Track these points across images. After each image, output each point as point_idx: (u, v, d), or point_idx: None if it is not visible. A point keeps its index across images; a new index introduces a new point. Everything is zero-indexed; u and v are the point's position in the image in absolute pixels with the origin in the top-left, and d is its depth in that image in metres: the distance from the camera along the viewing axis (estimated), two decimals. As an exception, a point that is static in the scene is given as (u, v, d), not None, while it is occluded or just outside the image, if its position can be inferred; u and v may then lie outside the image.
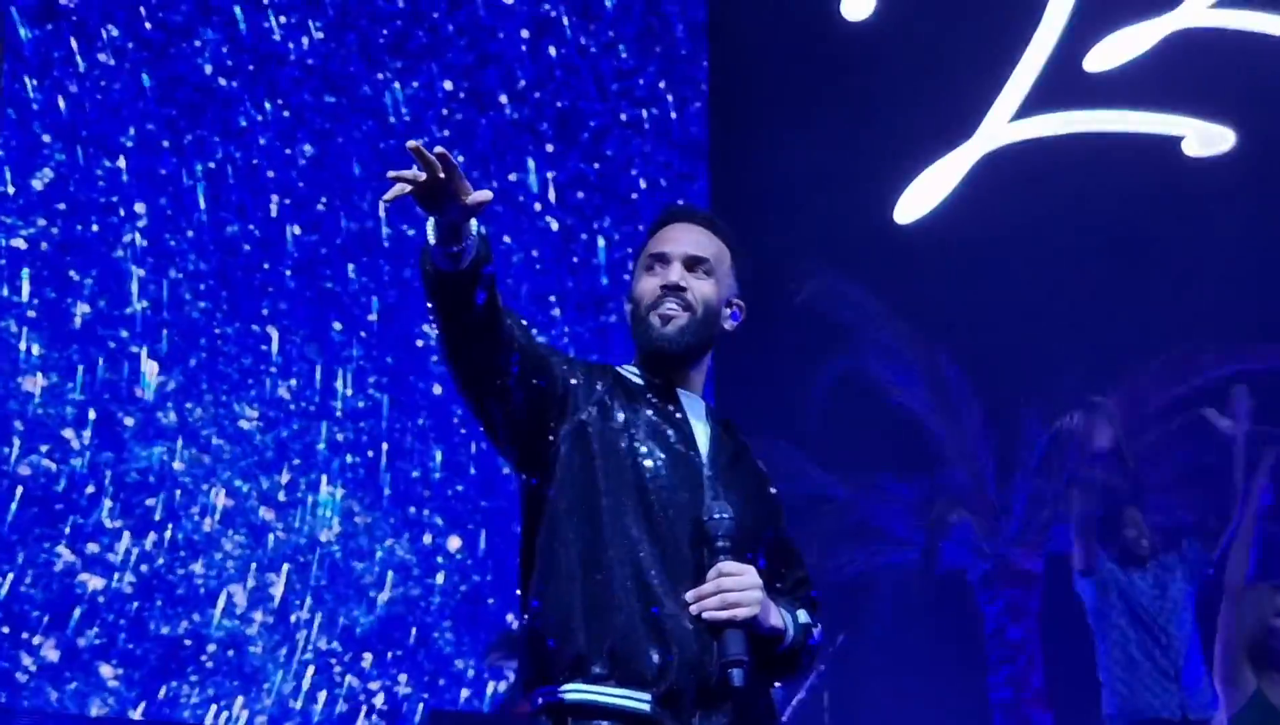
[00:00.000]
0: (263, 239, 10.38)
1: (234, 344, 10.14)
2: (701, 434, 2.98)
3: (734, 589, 2.73)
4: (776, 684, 3.01)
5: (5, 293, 9.63)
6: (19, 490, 9.40)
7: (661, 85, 11.93)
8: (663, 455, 2.88)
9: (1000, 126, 10.69)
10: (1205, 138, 10.20)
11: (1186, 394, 9.85)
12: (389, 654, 10.16)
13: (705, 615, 2.72)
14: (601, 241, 11.41)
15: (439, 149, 2.55)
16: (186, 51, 10.35)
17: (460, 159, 2.63)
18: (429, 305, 2.72)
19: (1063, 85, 10.51)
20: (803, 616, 2.94)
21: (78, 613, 9.42)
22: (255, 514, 9.98)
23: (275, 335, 10.28)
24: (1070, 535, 7.05)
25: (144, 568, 9.62)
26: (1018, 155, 10.64)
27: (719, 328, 3.07)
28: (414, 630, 10.25)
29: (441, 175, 2.54)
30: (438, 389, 10.54)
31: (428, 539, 10.42)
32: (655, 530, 2.80)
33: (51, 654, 9.32)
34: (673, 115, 11.91)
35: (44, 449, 9.53)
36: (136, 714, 9.44)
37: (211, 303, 10.15)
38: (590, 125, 11.58)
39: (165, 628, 9.61)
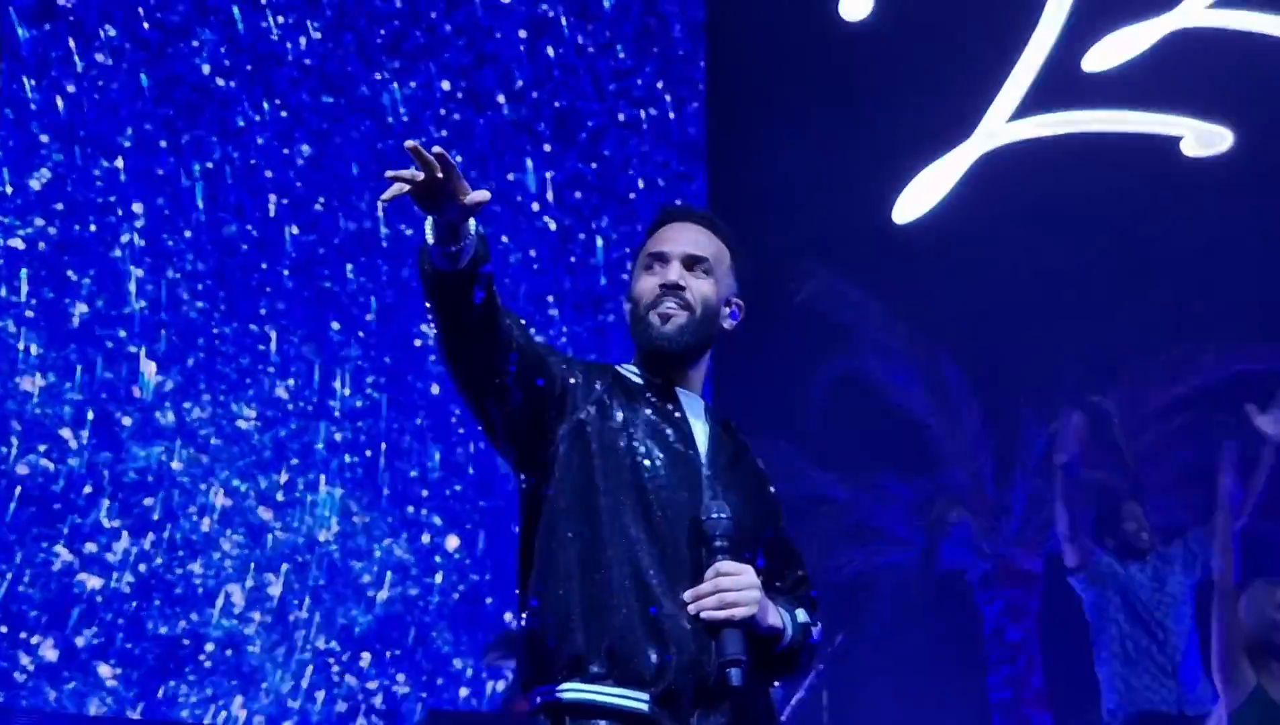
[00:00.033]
0: (261, 239, 10.38)
1: (232, 344, 10.14)
2: (701, 433, 2.98)
3: (732, 589, 2.73)
4: (775, 683, 3.00)
5: (3, 292, 9.62)
6: (17, 490, 9.40)
7: (659, 85, 11.92)
8: (661, 454, 2.88)
9: (998, 126, 10.67)
10: (1203, 138, 10.19)
11: (1186, 394, 9.86)
12: (387, 653, 10.15)
13: (703, 615, 2.72)
14: (599, 241, 11.40)
15: (437, 149, 2.55)
16: (184, 51, 10.34)
17: (458, 159, 2.62)
18: (428, 305, 2.72)
19: (1061, 85, 10.49)
20: (801, 616, 2.94)
21: (76, 612, 9.42)
22: (253, 514, 9.97)
23: (273, 335, 10.27)
24: (1077, 526, 7.04)
25: (142, 567, 9.61)
26: (1016, 155, 10.62)
27: (718, 327, 3.07)
28: (412, 630, 10.24)
29: (439, 175, 2.54)
30: (436, 389, 10.53)
31: (426, 539, 10.42)
32: (654, 530, 2.80)
33: (50, 653, 9.32)
34: (671, 115, 11.90)
35: (42, 449, 9.52)
36: (135, 714, 9.44)
37: (209, 303, 10.14)
38: (588, 125, 11.57)
39: (163, 627, 9.60)
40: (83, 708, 9.33)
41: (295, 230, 10.50)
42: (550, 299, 11.15)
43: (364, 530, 10.24)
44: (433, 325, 2.76)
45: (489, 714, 9.50)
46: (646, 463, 2.86)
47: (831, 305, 10.87)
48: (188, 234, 10.16)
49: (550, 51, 11.53)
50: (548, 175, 11.33)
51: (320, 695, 9.90)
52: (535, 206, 11.24)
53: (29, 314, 9.66)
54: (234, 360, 10.12)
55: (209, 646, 9.68)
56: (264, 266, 10.35)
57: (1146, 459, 9.75)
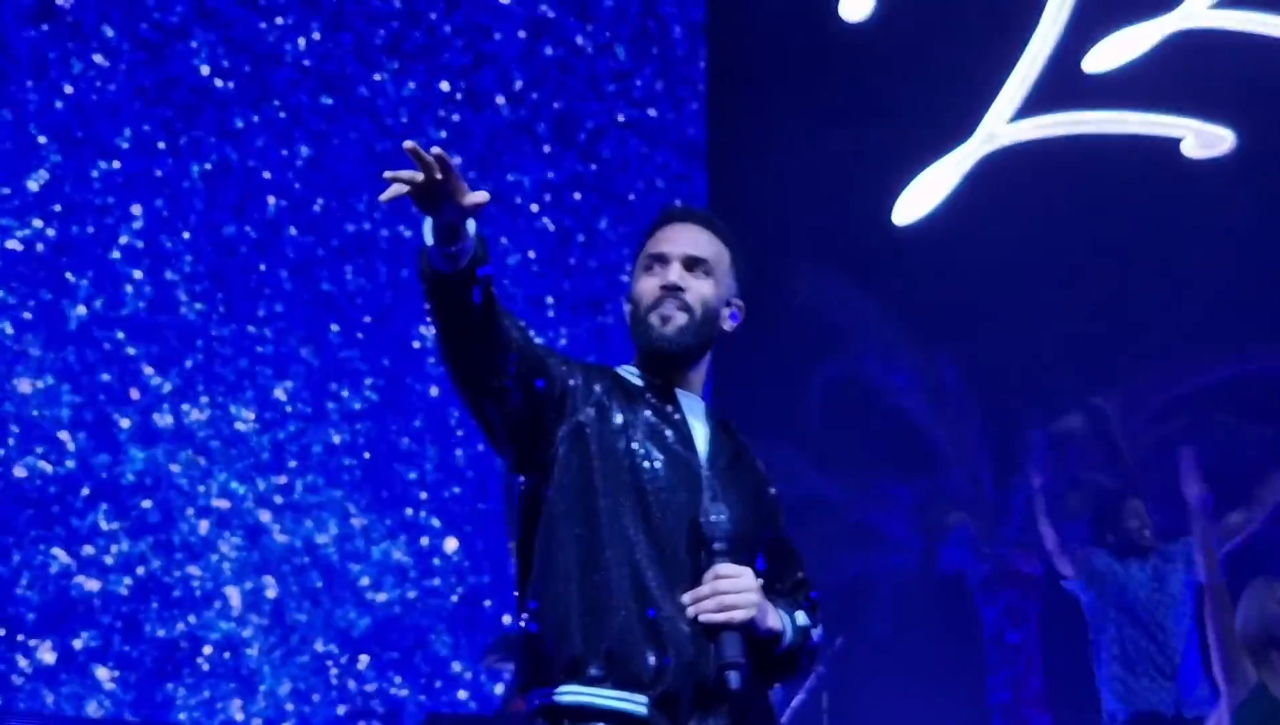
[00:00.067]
0: (259, 240, 10.36)
1: (230, 346, 10.12)
2: (700, 435, 2.97)
3: (730, 591, 2.73)
4: (776, 685, 2.99)
5: (1, 294, 9.60)
6: (15, 492, 9.38)
7: (659, 86, 11.91)
8: (661, 456, 2.87)
9: (999, 127, 10.65)
10: (1204, 139, 10.17)
11: (1186, 394, 9.85)
12: (386, 656, 10.13)
13: (701, 618, 2.72)
14: (598, 243, 11.39)
15: (436, 149, 2.55)
16: (182, 52, 10.33)
17: (457, 160, 2.61)
18: (427, 306, 2.71)
19: (1062, 86, 10.47)
20: (801, 618, 2.93)
21: (74, 615, 9.40)
22: (252, 516, 9.96)
23: (272, 337, 10.26)
24: (1063, 539, 7.04)
25: (140, 570, 9.60)
26: (1016, 156, 10.61)
27: (718, 328, 3.06)
28: (411, 632, 10.23)
29: (438, 176, 2.54)
30: (435, 391, 10.52)
31: (424, 541, 10.40)
32: (653, 531, 2.80)
33: (48, 656, 9.30)
34: (670, 116, 11.89)
35: (39, 451, 9.51)
36: (133, 717, 9.42)
37: (208, 304, 10.13)
38: (587, 126, 11.56)
39: (161, 630, 9.58)
40: (80, 711, 9.31)
41: (294, 231, 10.48)
42: (549, 300, 11.14)
43: (362, 532, 10.22)
44: (433, 326, 2.75)
45: (488, 717, 9.48)
46: (646, 464, 2.85)
47: (830, 307, 10.87)
48: (186, 236, 10.14)
49: (549, 52, 11.52)
50: (547, 176, 11.31)
51: (318, 698, 9.88)
52: (534, 207, 11.23)
53: (26, 316, 9.64)
54: (232, 362, 10.11)
55: (207, 649, 9.67)
56: (262, 268, 10.34)
57: (1147, 459, 9.73)
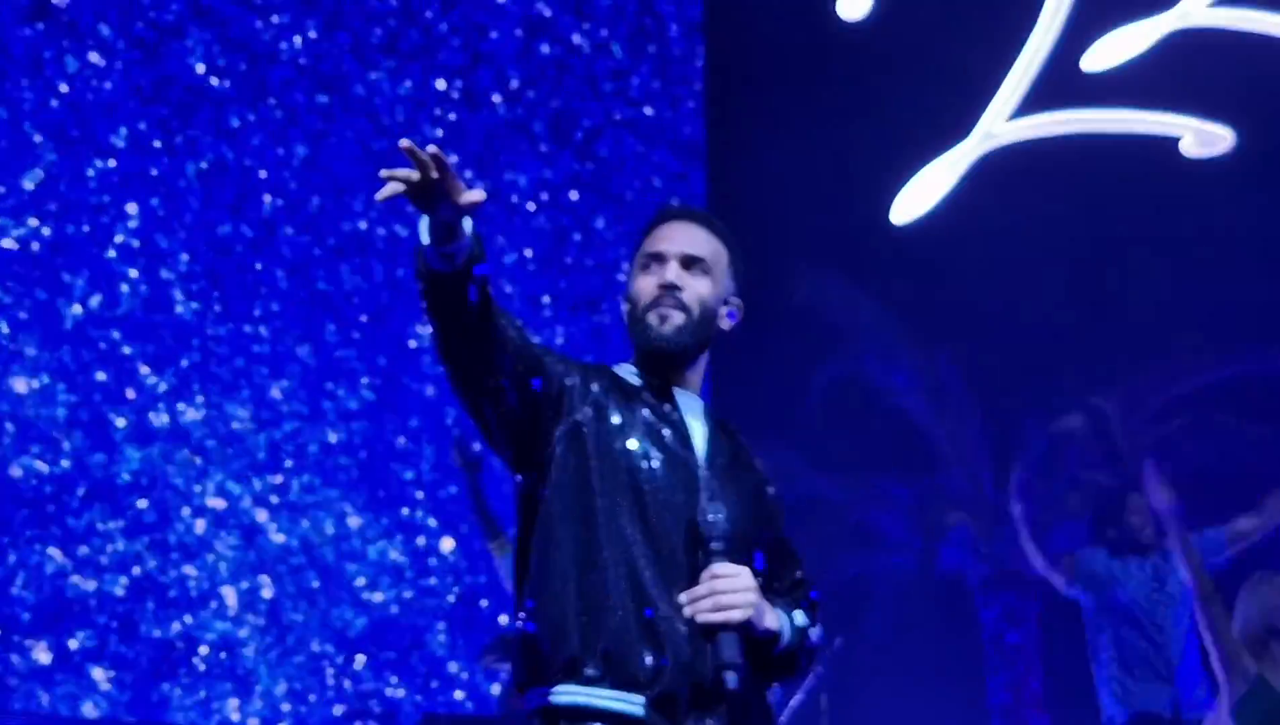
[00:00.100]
0: (255, 239, 10.36)
1: (226, 345, 10.11)
2: (698, 434, 2.96)
3: (727, 591, 2.72)
4: (774, 685, 2.99)
5: (-4, 293, 9.60)
6: (10, 492, 9.37)
7: (656, 85, 11.89)
8: (659, 455, 2.86)
9: (997, 126, 10.63)
10: (1203, 138, 10.15)
11: (1186, 394, 9.83)
12: (382, 656, 10.12)
13: (698, 618, 2.71)
14: (595, 242, 11.37)
15: (432, 148, 2.56)
16: (178, 51, 10.32)
17: (453, 158, 2.59)
18: (424, 305, 2.71)
19: (1060, 85, 10.46)
20: (799, 618, 2.92)
21: (69, 615, 9.39)
22: (248, 516, 9.95)
23: (268, 336, 10.24)
24: (1064, 539, 7.03)
25: (136, 569, 9.59)
26: (1015, 155, 10.59)
27: (716, 327, 3.05)
28: (408, 632, 10.21)
29: (434, 174, 2.53)
30: (431, 390, 10.50)
31: (421, 541, 10.39)
32: (650, 531, 2.79)
33: (43, 656, 9.29)
34: (668, 115, 11.87)
35: (35, 450, 9.50)
36: (128, 717, 9.40)
37: (203, 303, 10.12)
38: (584, 125, 11.54)
39: (157, 630, 9.58)
40: (76, 711, 9.30)
41: (290, 231, 10.47)
42: (546, 299, 11.13)
43: (359, 532, 10.21)
44: (429, 326, 2.75)
45: (485, 717, 9.47)
46: (643, 464, 2.84)
47: (829, 306, 10.84)
48: (182, 235, 10.14)
49: (546, 51, 11.50)
50: (543, 175, 11.29)
51: (314, 698, 9.87)
52: (531, 206, 11.21)
53: (22, 315, 9.63)
54: (228, 362, 10.10)
55: (203, 649, 9.66)
56: (258, 267, 10.33)
57: (1146, 460, 9.71)
